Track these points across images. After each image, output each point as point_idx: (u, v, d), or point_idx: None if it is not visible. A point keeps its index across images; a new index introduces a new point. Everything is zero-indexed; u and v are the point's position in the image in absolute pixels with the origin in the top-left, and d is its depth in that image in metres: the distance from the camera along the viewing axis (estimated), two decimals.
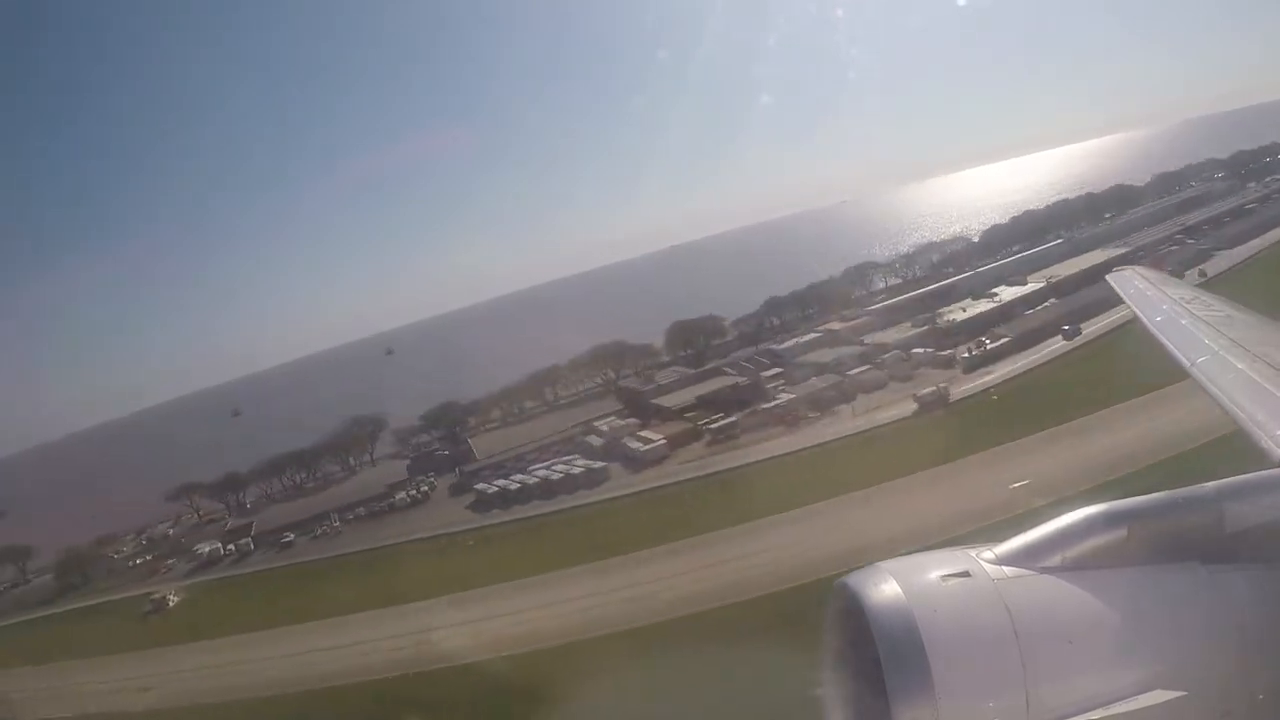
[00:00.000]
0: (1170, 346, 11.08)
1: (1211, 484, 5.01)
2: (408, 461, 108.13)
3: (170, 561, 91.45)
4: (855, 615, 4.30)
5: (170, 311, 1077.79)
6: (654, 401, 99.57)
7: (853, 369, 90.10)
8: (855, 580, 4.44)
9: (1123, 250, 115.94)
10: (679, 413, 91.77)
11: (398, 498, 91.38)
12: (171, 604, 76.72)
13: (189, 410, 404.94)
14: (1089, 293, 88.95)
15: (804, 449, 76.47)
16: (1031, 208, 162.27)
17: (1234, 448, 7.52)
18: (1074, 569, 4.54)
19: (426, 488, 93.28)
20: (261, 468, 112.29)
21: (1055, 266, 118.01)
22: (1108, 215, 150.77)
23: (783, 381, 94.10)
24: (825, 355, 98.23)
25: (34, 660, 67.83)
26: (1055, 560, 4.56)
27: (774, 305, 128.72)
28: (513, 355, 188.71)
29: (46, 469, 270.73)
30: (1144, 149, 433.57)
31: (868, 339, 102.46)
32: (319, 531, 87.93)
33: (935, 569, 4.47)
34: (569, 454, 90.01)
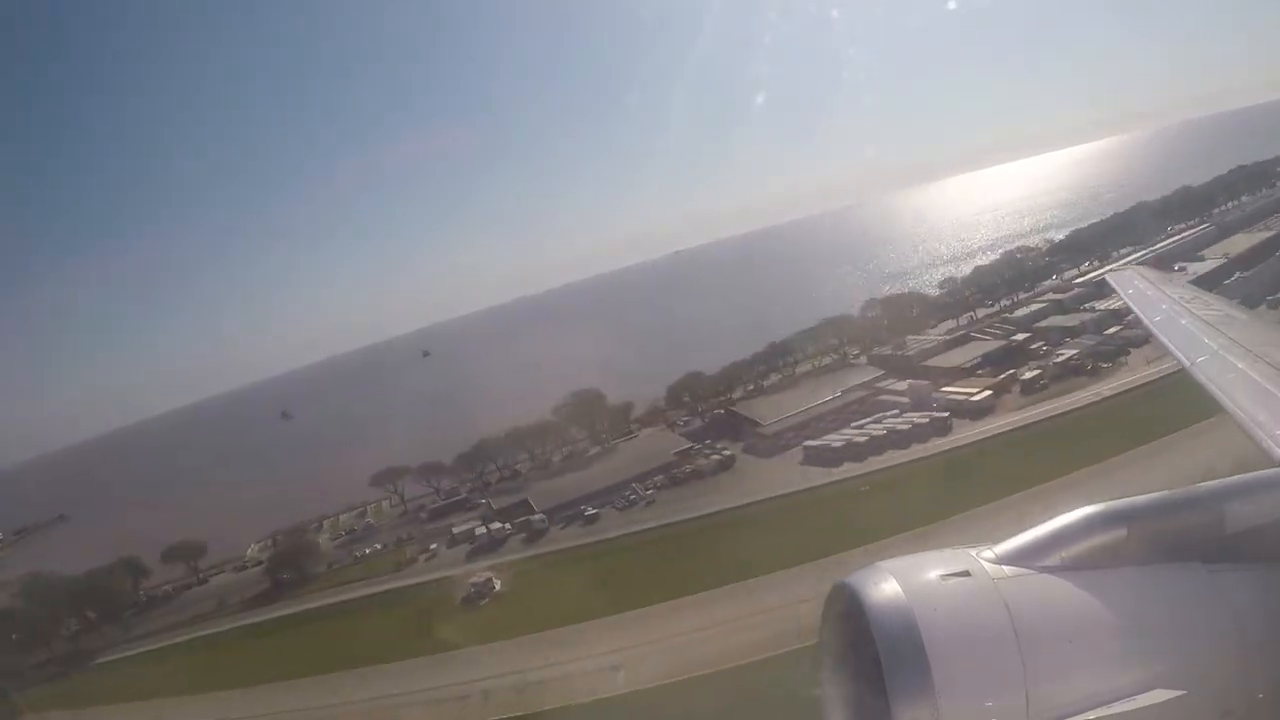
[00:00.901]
0: (1170, 346, 11.05)
1: (1211, 484, 5.01)
2: (673, 428, 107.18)
3: (433, 546, 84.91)
4: (855, 615, 4.32)
5: (176, 318, 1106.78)
6: (925, 364, 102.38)
7: (1107, 329, 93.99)
8: (855, 580, 4.47)
9: (1271, 233, 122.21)
10: (969, 370, 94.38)
11: (700, 463, 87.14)
12: (497, 587, 69.81)
13: (220, 414, 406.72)
14: (1275, 263, 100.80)
15: (1141, 386, 74.90)
16: (1143, 199, 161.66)
17: None
18: (1074, 569, 4.55)
19: (728, 452, 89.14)
20: (474, 450, 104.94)
21: (1218, 245, 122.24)
22: (1226, 205, 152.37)
23: (1042, 343, 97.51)
24: (1070, 320, 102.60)
25: (407, 653, 60.69)
26: (1055, 560, 4.58)
27: (953, 285, 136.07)
28: (565, 356, 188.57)
29: (83, 472, 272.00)
30: (1145, 151, 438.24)
31: (1098, 305, 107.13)
32: (625, 502, 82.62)
33: (935, 569, 4.49)
34: (866, 414, 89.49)
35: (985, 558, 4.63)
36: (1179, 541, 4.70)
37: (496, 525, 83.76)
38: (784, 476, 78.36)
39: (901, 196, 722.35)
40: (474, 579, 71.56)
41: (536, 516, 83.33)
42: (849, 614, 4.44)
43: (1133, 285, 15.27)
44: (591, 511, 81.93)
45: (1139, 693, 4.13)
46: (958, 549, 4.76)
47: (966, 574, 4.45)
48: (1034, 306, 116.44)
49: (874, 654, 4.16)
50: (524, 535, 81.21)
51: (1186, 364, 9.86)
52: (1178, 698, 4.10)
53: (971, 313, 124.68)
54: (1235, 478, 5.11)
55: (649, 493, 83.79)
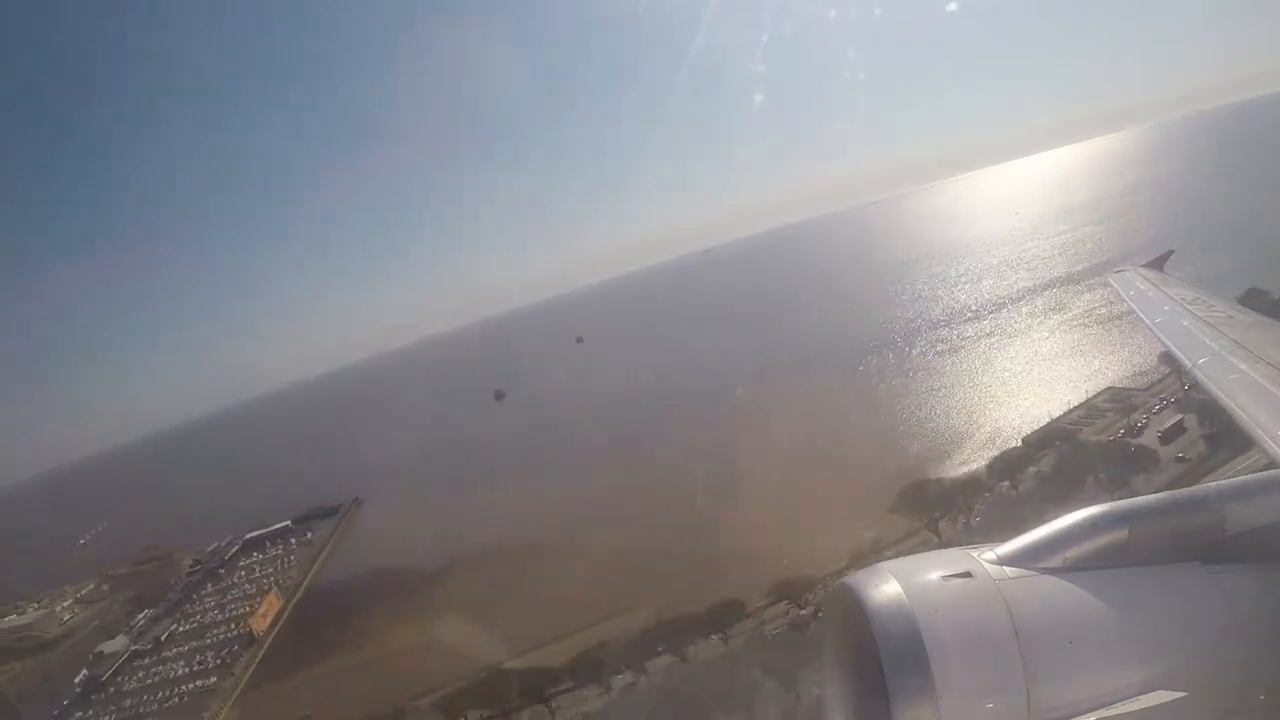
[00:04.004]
0: (1171, 347, 10.99)
1: (1212, 485, 5.00)
2: None
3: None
4: (856, 615, 4.30)
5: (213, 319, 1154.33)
6: None
7: None
8: (857, 580, 4.44)
9: None
10: None
11: None
12: None
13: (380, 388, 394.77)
14: None
15: None
16: None
17: None
18: (1075, 569, 4.54)
19: None
20: None
21: None
22: None
23: None
24: None
25: None
26: (1056, 560, 4.57)
27: None
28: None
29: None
30: (1140, 146, 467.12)
31: None
32: None
33: (937, 569, 4.47)
34: None
35: (987, 558, 4.61)
36: (1180, 542, 4.69)
37: None
38: None
39: (921, 193, 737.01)
40: None
41: None
42: (850, 614, 4.42)
43: (1134, 287, 15.06)
44: None
45: (1140, 693, 4.13)
46: (959, 549, 4.74)
47: (968, 575, 4.44)
48: None
49: (875, 654, 4.14)
50: None
51: (1188, 365, 9.80)
52: (1178, 698, 4.09)
53: None
54: (1236, 479, 5.10)
55: None
